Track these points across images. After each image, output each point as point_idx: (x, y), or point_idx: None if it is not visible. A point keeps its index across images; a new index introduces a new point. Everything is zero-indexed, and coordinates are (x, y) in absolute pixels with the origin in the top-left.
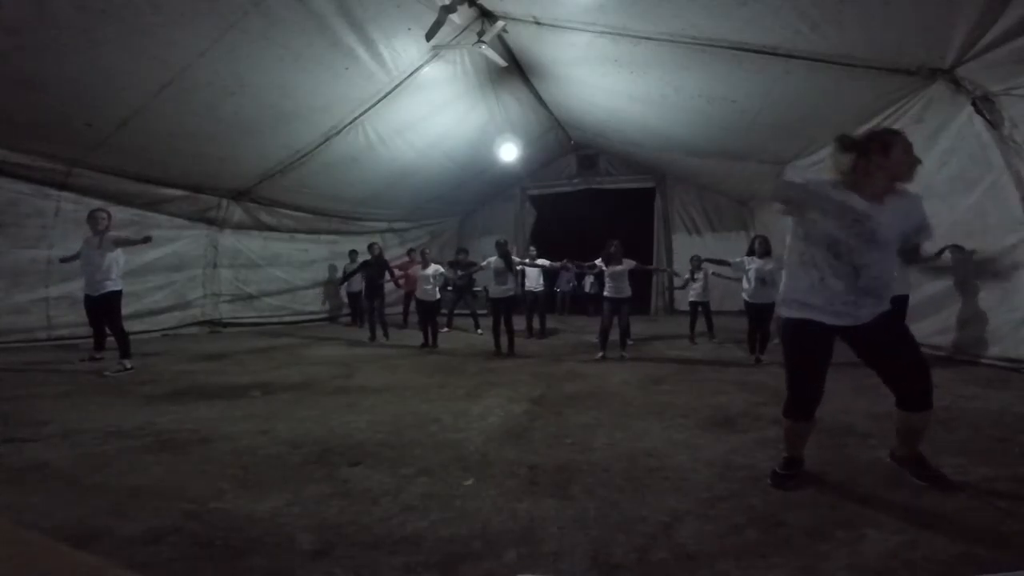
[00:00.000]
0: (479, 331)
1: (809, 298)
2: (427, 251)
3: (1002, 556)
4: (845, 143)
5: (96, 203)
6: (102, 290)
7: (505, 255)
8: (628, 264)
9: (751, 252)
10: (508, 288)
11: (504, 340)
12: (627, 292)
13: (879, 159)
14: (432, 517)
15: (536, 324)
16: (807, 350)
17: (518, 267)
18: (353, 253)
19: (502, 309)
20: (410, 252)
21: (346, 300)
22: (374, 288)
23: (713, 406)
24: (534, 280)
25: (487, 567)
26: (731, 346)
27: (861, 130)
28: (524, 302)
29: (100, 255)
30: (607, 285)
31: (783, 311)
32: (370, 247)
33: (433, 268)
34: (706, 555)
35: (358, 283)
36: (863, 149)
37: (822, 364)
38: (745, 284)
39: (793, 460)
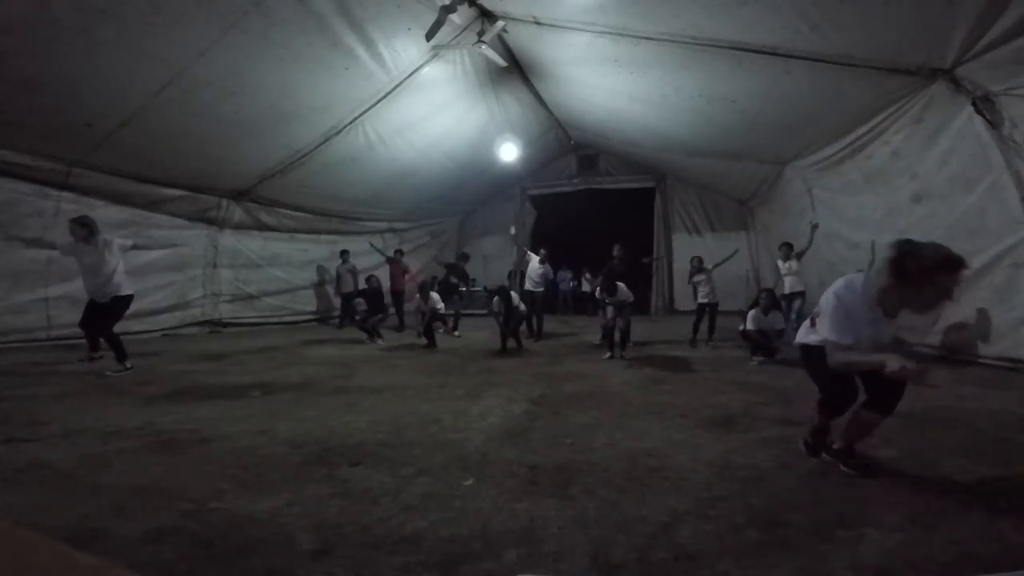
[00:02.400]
0: (456, 333)
1: None
2: (425, 282)
3: (1002, 556)
4: None
5: (97, 203)
6: (110, 296)
7: (507, 300)
8: (623, 293)
9: (755, 304)
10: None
11: (511, 340)
12: (630, 298)
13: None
14: (432, 517)
15: (535, 325)
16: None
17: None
18: (344, 253)
19: (503, 311)
20: (395, 253)
21: (337, 303)
22: (377, 307)
23: (713, 406)
24: (534, 281)
25: (487, 567)
26: (730, 346)
27: (861, 130)
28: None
29: (101, 259)
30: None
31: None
32: (368, 279)
33: (433, 301)
34: (706, 555)
35: (350, 284)
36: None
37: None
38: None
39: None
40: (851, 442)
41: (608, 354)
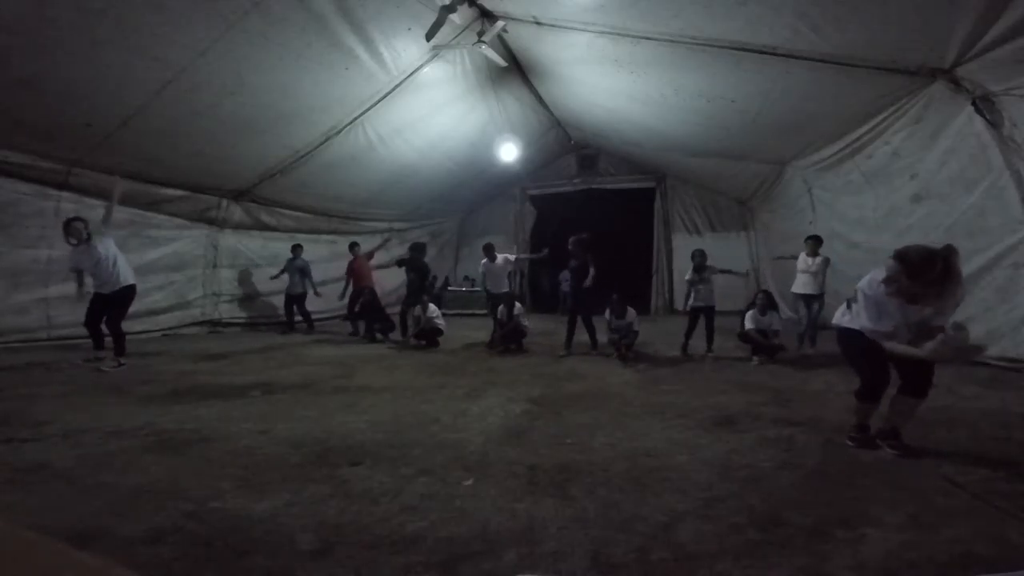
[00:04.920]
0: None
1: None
2: (424, 304)
3: (1002, 556)
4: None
5: (97, 203)
6: (118, 285)
7: (510, 307)
8: (631, 316)
9: (752, 305)
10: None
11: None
12: (636, 324)
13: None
14: (432, 517)
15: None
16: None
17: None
18: (296, 248)
19: (505, 317)
20: (352, 247)
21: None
22: (378, 317)
23: (713, 406)
24: (496, 281)
25: (487, 567)
26: (730, 347)
27: (861, 130)
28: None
29: (104, 252)
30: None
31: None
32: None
33: (431, 312)
34: (706, 555)
35: (300, 285)
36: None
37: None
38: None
39: (865, 425)
40: (894, 425)
41: (617, 352)
